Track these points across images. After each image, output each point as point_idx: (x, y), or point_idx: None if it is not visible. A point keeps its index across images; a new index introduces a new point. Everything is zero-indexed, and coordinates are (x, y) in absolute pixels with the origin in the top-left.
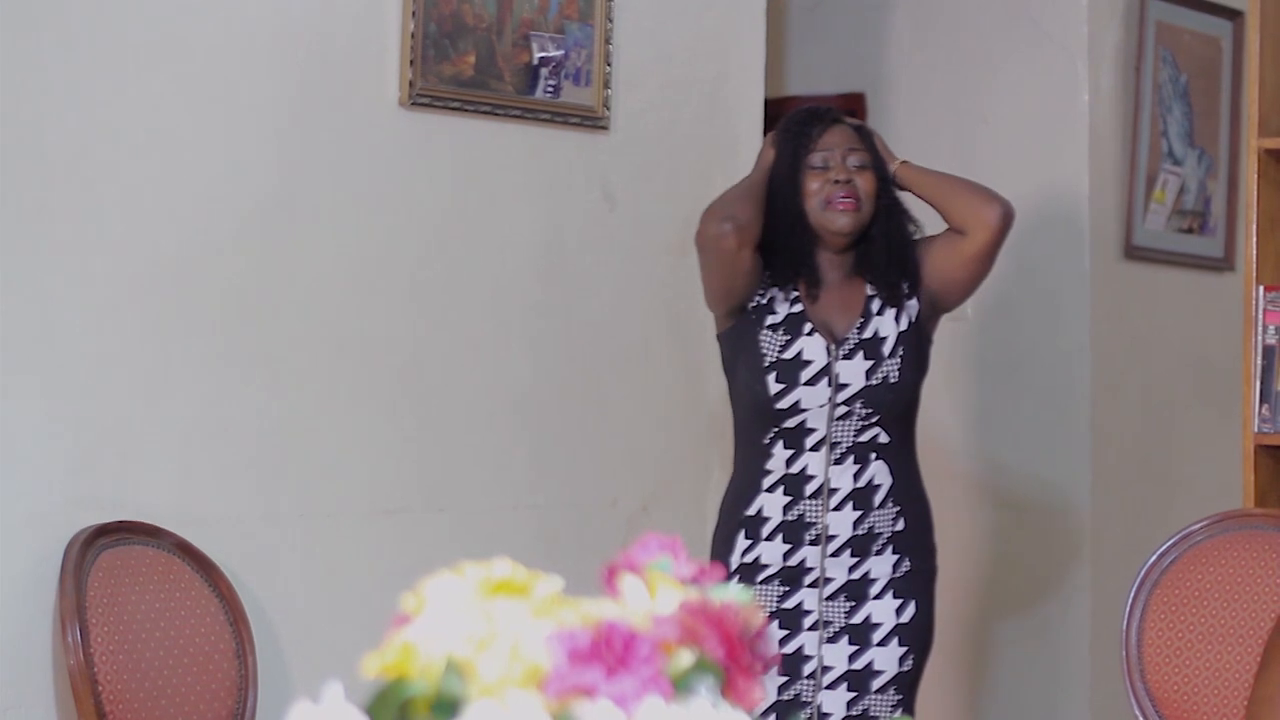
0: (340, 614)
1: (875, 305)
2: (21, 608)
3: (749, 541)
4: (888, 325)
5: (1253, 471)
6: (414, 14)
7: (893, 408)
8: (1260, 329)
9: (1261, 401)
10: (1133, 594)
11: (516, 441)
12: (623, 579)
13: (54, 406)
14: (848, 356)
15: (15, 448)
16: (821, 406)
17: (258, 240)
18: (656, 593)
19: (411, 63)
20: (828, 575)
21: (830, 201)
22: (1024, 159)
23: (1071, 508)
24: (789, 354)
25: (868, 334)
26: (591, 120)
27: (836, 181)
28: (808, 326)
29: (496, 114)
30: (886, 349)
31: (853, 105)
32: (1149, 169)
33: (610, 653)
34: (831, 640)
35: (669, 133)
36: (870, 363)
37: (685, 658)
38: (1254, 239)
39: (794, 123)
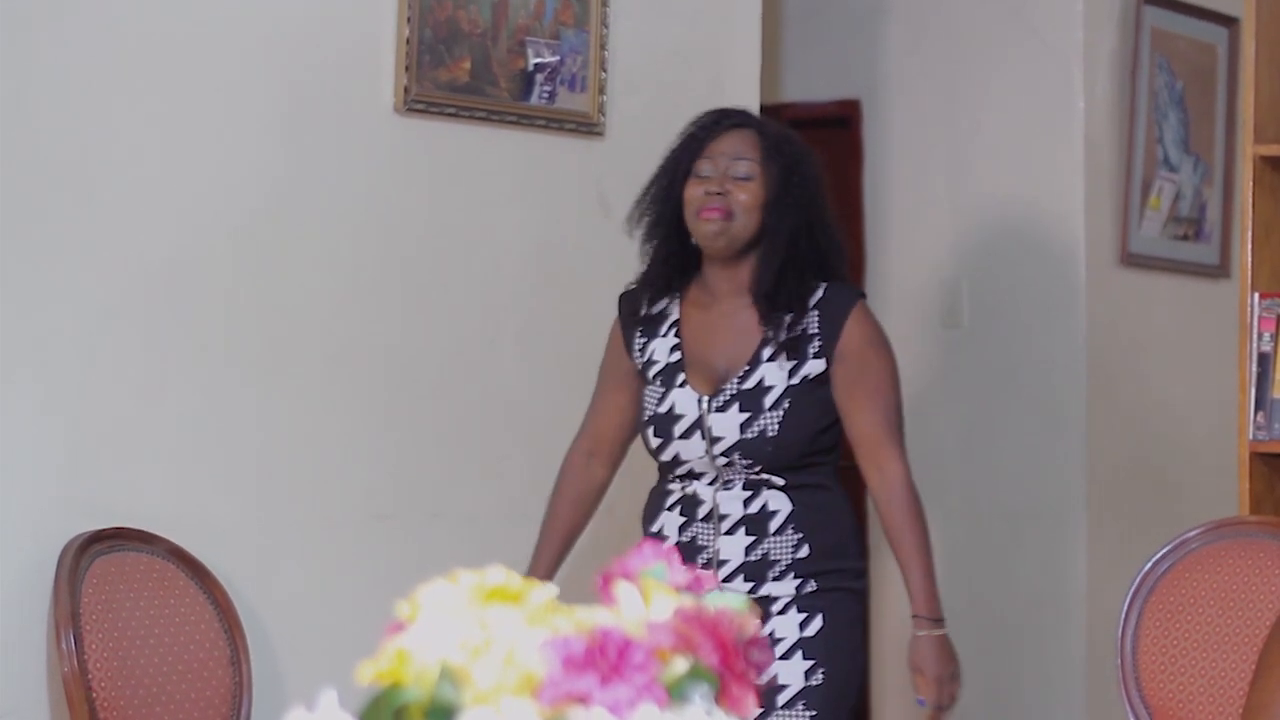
0: (335, 620)
1: (767, 351)
2: (16, 614)
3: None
4: (776, 374)
5: (1248, 479)
6: (409, 20)
7: (775, 460)
8: (1255, 336)
9: (1257, 409)
10: (1128, 601)
11: (511, 448)
12: (617, 586)
13: (49, 412)
14: (721, 409)
15: (10, 453)
16: (701, 458)
17: (253, 246)
18: (651, 600)
19: (407, 69)
20: None
21: (701, 209)
22: (1019, 165)
23: (1067, 515)
24: (664, 407)
25: (750, 383)
26: (587, 126)
27: (708, 193)
28: (680, 377)
29: (491, 120)
30: (770, 400)
31: (848, 111)
32: (1144, 175)
33: (605, 660)
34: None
35: (664, 139)
36: (746, 415)
37: (680, 665)
38: (1249, 246)
39: (693, 123)
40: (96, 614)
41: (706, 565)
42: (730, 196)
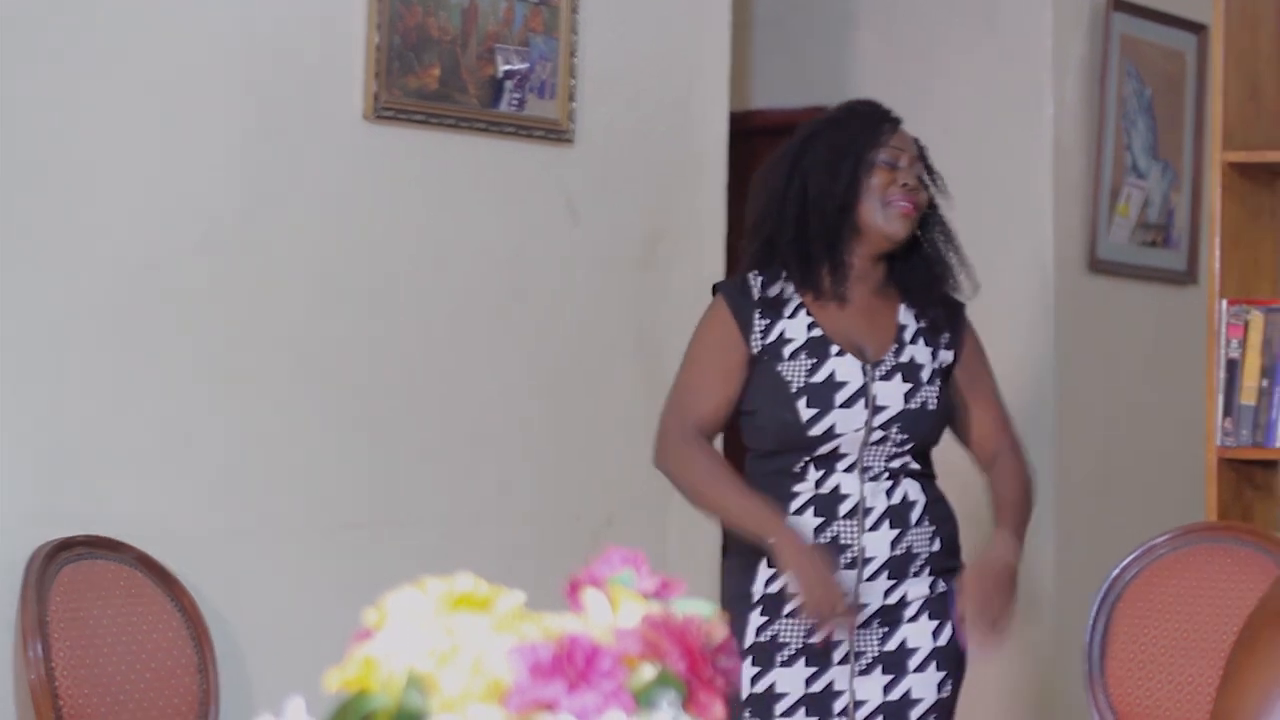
0: (302, 628)
1: (909, 334)
2: None
3: (772, 570)
4: (923, 354)
5: (1215, 485)
6: (378, 27)
7: (929, 436)
8: (1223, 342)
9: (1225, 415)
10: (1096, 606)
11: (479, 455)
12: (585, 593)
13: (16, 420)
14: (885, 378)
15: None
16: (857, 431)
17: (222, 255)
18: (619, 607)
19: (376, 76)
20: (861, 601)
21: (890, 202)
22: (988, 172)
23: (1035, 521)
24: (819, 376)
25: (904, 358)
26: (556, 133)
27: (905, 185)
28: (834, 348)
29: (461, 127)
30: (925, 375)
31: None
32: (1113, 182)
33: (572, 667)
34: (864, 672)
35: (634, 146)
36: (909, 385)
37: (647, 672)
38: (1218, 252)
39: (861, 115)
40: (64, 622)
41: (851, 565)
42: (920, 193)
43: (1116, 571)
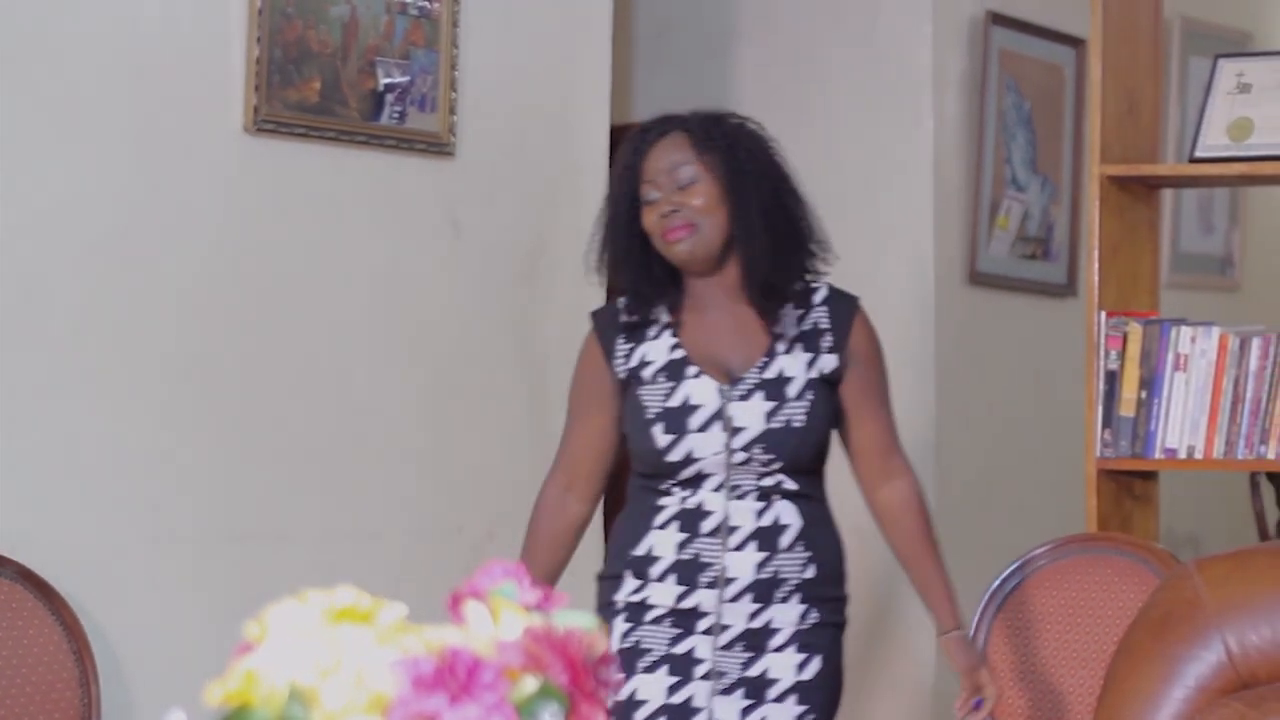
0: (184, 642)
1: (784, 343)
2: None
3: (638, 582)
4: (796, 364)
5: (1095, 495)
6: (258, 40)
7: (797, 456)
8: (1102, 354)
9: (1104, 426)
10: (976, 618)
11: (362, 469)
12: (467, 606)
13: None
14: (744, 397)
15: None
16: (717, 454)
17: (101, 266)
18: (501, 619)
19: (256, 88)
20: (724, 622)
21: (663, 235)
22: (869, 185)
23: None
24: (675, 401)
25: (771, 373)
26: (437, 146)
27: (662, 216)
28: (691, 369)
29: (341, 140)
30: (793, 389)
31: None
32: (993, 195)
33: (454, 679)
34: (725, 692)
35: (515, 159)
36: (771, 404)
37: (530, 684)
38: (1096, 265)
39: (624, 153)
40: None
41: (712, 584)
42: (685, 209)
43: (997, 583)
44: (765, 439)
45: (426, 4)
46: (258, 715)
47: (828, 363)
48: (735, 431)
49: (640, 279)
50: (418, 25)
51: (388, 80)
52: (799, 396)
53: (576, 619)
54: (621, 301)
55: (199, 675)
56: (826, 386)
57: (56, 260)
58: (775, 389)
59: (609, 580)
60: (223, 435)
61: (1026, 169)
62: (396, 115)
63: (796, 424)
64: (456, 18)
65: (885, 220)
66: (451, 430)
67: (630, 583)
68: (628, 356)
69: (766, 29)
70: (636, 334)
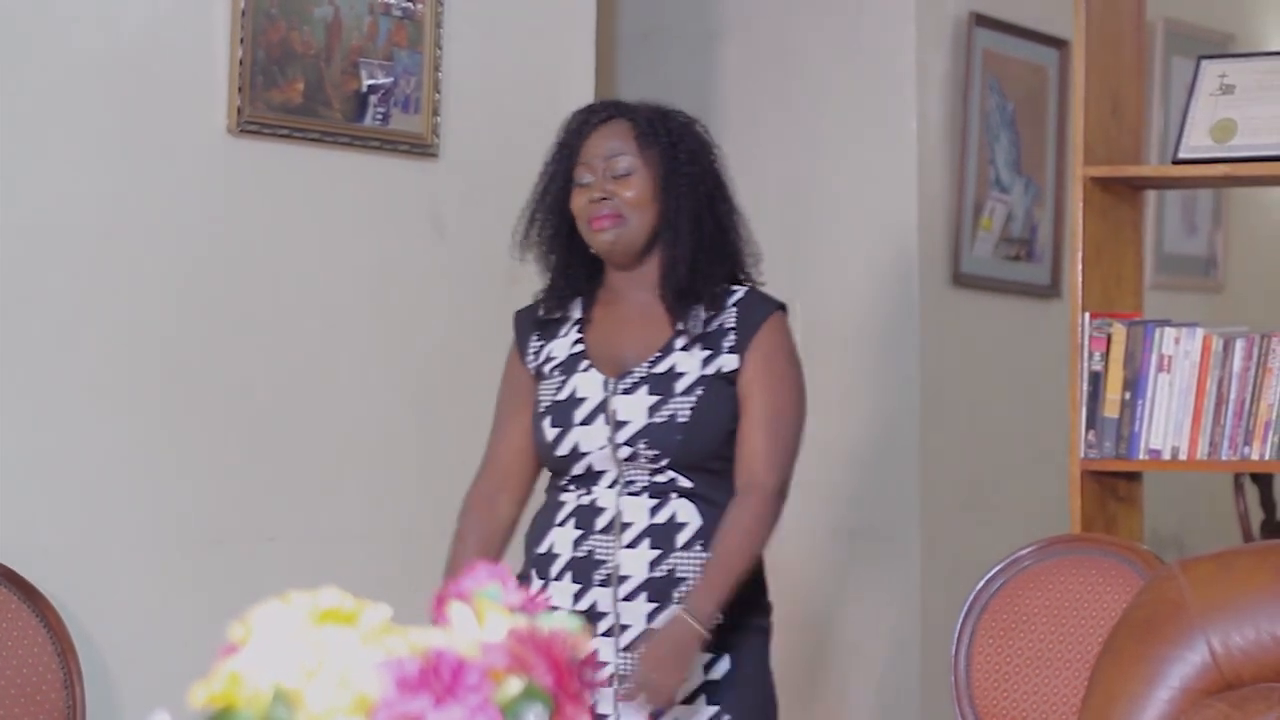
0: (169, 643)
1: (680, 341)
2: None
3: (541, 581)
4: (690, 361)
5: (1079, 496)
6: (242, 41)
7: (683, 453)
8: (1086, 355)
9: (1088, 427)
10: (961, 618)
11: (346, 471)
12: (451, 607)
13: None
14: (628, 391)
15: None
16: (602, 448)
17: (85, 268)
18: (485, 621)
19: (240, 90)
20: (623, 622)
21: (589, 221)
22: (853, 187)
23: (901, 533)
24: (563, 394)
25: (662, 368)
26: (420, 148)
27: (592, 200)
28: (583, 364)
29: (325, 141)
30: (682, 385)
31: None
32: (976, 196)
33: (439, 681)
34: (629, 697)
35: (499, 160)
36: (656, 398)
37: (514, 685)
38: (1080, 266)
39: (563, 128)
40: None
41: (605, 582)
42: (616, 199)
43: (981, 584)
44: (648, 433)
45: (410, 5)
46: (242, 717)
47: (728, 362)
48: (619, 425)
49: (561, 263)
50: (401, 26)
51: (371, 81)
52: (687, 392)
53: (561, 621)
54: (539, 296)
55: (184, 677)
56: (725, 386)
57: (40, 261)
58: (662, 383)
59: (521, 580)
60: (208, 436)
61: (1010, 170)
62: (380, 116)
63: (681, 419)
64: (440, 19)
65: (869, 221)
66: (437, 432)
67: (535, 583)
68: (537, 354)
69: (750, 31)
70: (549, 331)
